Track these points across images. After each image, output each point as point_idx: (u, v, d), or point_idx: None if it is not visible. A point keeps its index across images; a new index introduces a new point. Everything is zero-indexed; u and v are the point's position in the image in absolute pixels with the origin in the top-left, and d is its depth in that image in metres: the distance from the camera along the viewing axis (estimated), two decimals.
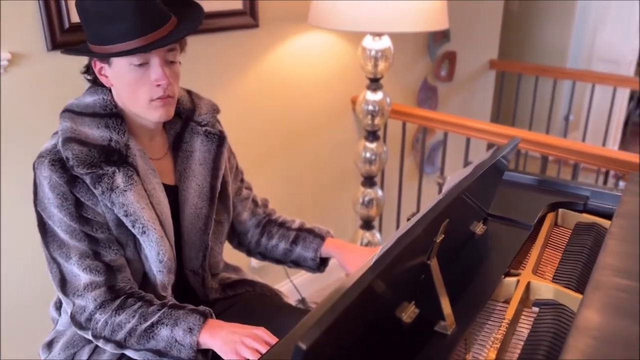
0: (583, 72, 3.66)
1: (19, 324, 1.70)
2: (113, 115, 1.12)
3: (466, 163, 2.37)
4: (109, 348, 1.13)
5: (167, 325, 1.09)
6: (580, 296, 0.93)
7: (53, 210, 1.08)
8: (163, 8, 1.09)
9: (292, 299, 1.70)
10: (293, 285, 2.36)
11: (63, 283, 1.11)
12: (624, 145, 4.71)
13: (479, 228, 1.20)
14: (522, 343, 0.91)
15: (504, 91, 3.49)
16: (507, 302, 1.02)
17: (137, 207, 1.10)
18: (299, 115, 2.31)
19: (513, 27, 4.30)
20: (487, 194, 1.20)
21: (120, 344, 1.11)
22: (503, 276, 1.04)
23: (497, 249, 1.15)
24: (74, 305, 1.12)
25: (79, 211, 1.08)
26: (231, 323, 1.11)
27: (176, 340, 1.08)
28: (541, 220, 1.27)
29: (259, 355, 1.01)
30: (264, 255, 1.45)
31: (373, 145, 2.30)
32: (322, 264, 1.41)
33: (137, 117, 1.15)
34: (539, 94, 3.46)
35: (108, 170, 1.08)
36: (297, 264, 1.42)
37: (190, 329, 1.08)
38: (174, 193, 1.22)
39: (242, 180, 1.41)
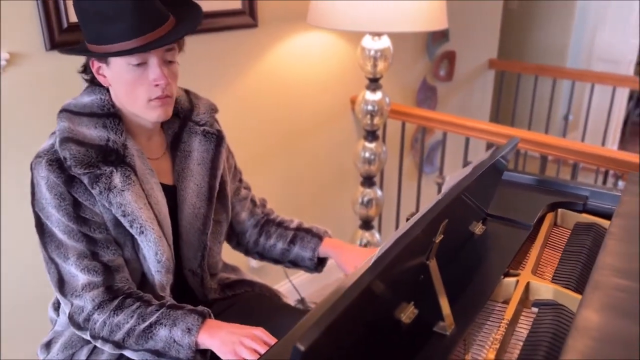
0: (582, 71, 3.66)
1: (18, 324, 1.70)
2: (111, 115, 1.12)
3: (465, 163, 2.37)
4: (108, 348, 1.12)
5: (165, 326, 1.09)
6: (579, 296, 0.93)
7: (51, 211, 1.07)
8: (161, 8, 1.09)
9: (291, 299, 1.70)
10: (292, 286, 2.36)
11: (61, 283, 1.11)
12: (623, 145, 4.71)
13: (478, 228, 1.20)
14: (521, 343, 0.91)
15: (503, 91, 3.48)
16: (506, 302, 1.02)
17: (135, 207, 1.10)
18: (298, 115, 2.31)
19: (512, 27, 4.30)
20: (487, 194, 1.20)
21: (118, 345, 1.10)
22: (502, 276, 1.04)
23: (497, 249, 1.15)
24: (72, 305, 1.11)
25: (76, 211, 1.08)
26: (230, 323, 1.10)
27: (175, 341, 1.08)
28: (540, 220, 1.26)
29: (258, 356, 1.00)
30: (262, 255, 1.44)
31: (372, 145, 2.29)
32: (319, 264, 1.40)
33: (135, 117, 1.15)
34: (538, 94, 3.46)
35: (106, 170, 1.08)
36: (295, 264, 1.42)
37: (188, 329, 1.08)
38: (172, 193, 1.22)
39: (240, 180, 1.41)
